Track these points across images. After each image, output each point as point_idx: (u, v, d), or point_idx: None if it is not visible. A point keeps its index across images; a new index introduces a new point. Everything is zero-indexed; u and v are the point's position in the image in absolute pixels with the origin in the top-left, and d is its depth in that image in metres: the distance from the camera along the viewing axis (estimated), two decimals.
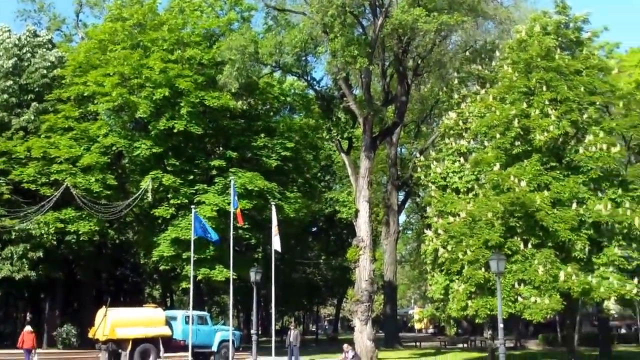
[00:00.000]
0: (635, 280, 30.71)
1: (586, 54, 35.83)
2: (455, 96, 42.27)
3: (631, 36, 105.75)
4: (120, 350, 35.94)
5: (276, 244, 36.13)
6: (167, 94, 43.82)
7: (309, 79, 47.25)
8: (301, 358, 37.78)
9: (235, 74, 41.25)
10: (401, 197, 63.51)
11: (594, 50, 36.64)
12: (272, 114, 51.86)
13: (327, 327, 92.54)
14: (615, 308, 33.19)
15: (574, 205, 31.32)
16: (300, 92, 52.73)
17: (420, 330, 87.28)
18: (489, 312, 31.66)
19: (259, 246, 51.63)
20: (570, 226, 30.76)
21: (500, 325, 26.61)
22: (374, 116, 44.03)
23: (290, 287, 58.72)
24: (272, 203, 38.42)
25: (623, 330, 54.91)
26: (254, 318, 38.91)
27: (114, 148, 45.83)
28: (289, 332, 40.13)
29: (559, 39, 35.41)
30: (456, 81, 43.55)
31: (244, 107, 47.27)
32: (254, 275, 36.83)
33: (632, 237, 31.59)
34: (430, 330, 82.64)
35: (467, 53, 44.95)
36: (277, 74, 48.76)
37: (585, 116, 33.38)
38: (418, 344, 56.49)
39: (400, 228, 65.68)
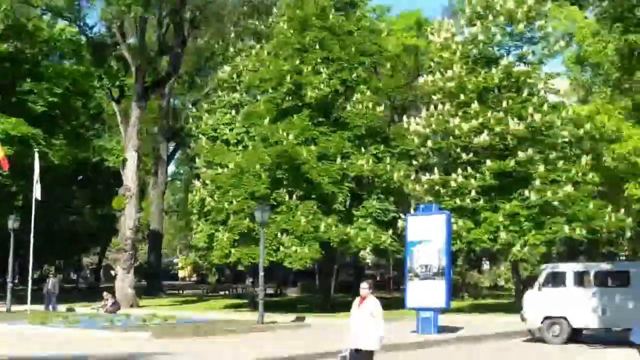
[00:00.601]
0: (390, 231, 32.71)
1: (359, 15, 37.28)
2: (231, 50, 42.53)
3: (401, 1, 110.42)
4: None
5: (37, 192, 34.85)
6: None
7: (81, 24, 45.50)
8: (59, 306, 36.77)
9: (1, 15, 39.01)
10: (171, 148, 63.05)
11: (366, 13, 38.15)
12: (40, 58, 49.35)
13: (89, 276, 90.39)
14: (371, 257, 35.16)
15: (339, 160, 32.69)
16: (72, 37, 50.55)
17: (184, 279, 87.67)
18: (252, 261, 32.50)
19: (20, 193, 49.34)
20: (334, 179, 32.13)
21: (261, 273, 27.32)
22: (148, 66, 43.39)
23: (52, 235, 56.75)
24: (36, 150, 36.82)
25: (378, 279, 58.53)
26: (10, 266, 37.31)
27: None
28: (47, 281, 38.93)
29: None
30: (232, 35, 43.79)
31: (10, 49, 44.66)
32: (11, 223, 35.32)
33: (390, 190, 33.59)
34: (194, 279, 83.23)
35: (245, 8, 45.30)
36: (47, 17, 46.44)
37: (354, 75, 34.79)
38: (181, 291, 56.85)
39: (169, 178, 65.38)
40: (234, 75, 40.01)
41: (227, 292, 53.92)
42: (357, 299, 13.19)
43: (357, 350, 13.00)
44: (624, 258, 44.75)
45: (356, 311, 13.10)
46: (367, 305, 12.98)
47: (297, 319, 29.57)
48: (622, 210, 30.75)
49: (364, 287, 13.14)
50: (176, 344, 21.16)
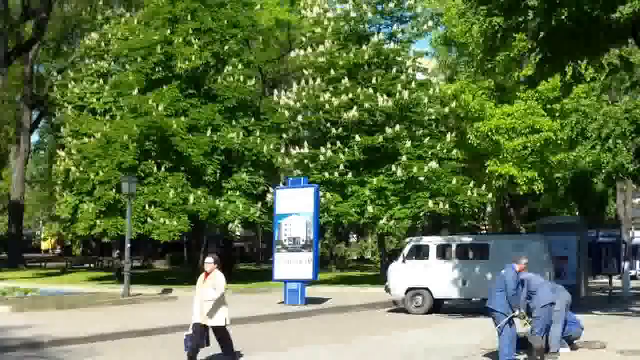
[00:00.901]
0: (259, 204, 32.81)
1: None
2: (99, 17, 41.32)
3: None
4: None
5: None
6: None
7: None
8: None
9: None
10: (35, 117, 60.83)
11: None
12: None
13: None
14: (240, 230, 35.18)
15: (209, 132, 32.42)
16: None
17: (47, 251, 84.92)
18: (119, 232, 31.89)
19: None
20: (204, 152, 31.86)
21: (128, 245, 26.90)
22: (10, 31, 41.64)
23: None
24: None
25: (247, 250, 58.94)
26: None
27: None
28: None
29: None
30: (101, 2, 42.57)
31: None
32: None
33: (260, 164, 33.67)
34: (58, 251, 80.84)
35: None
36: None
37: (226, 48, 34.49)
38: (44, 264, 55.18)
39: (32, 148, 63.11)
40: (102, 44, 38.89)
41: (92, 265, 52.80)
42: (203, 275, 13.09)
43: (203, 326, 12.93)
44: (484, 232, 46.60)
45: (201, 286, 13.02)
46: (211, 281, 12.92)
47: (164, 292, 29.36)
48: (484, 186, 32.06)
49: (209, 262, 13.01)
50: (38, 317, 20.59)
